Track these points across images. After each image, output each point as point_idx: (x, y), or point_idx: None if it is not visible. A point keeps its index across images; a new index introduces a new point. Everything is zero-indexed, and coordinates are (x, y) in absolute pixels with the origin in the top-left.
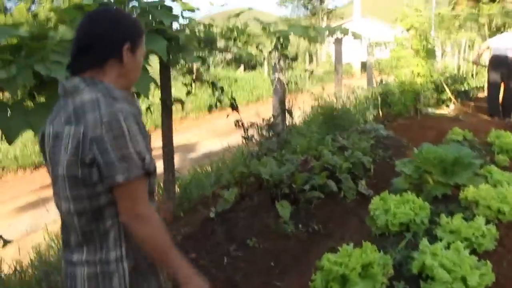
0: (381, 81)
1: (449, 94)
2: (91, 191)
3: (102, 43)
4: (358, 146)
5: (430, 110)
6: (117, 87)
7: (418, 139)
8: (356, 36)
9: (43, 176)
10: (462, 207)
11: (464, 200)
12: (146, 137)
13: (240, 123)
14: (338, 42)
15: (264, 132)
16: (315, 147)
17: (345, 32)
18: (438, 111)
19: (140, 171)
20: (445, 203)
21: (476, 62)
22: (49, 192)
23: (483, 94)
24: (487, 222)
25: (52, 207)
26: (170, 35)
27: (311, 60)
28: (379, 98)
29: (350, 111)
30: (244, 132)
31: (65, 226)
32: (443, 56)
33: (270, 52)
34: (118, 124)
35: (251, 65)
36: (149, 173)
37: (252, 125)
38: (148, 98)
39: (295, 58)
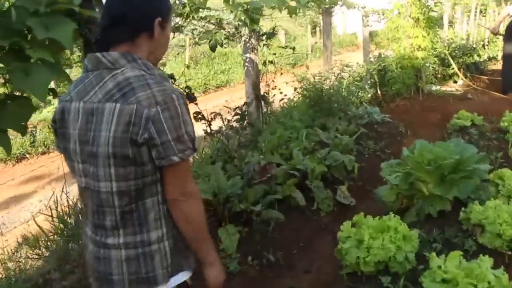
0: (379, 55)
1: (456, 69)
2: (140, 170)
3: (136, 15)
4: (339, 141)
5: (434, 87)
6: None
7: (418, 124)
8: (348, 4)
9: (24, 169)
10: (464, 231)
11: (465, 222)
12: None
13: (199, 116)
14: (327, 13)
15: (235, 124)
16: (287, 144)
17: (333, 1)
18: (444, 88)
19: (192, 151)
20: (441, 225)
21: (495, 31)
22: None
23: (496, 66)
24: (497, 256)
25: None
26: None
27: (314, 33)
28: (376, 76)
29: (340, 92)
30: (207, 126)
31: (97, 208)
32: (451, 23)
33: (237, 29)
34: (173, 104)
35: (213, 45)
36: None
37: (215, 116)
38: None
39: (271, 35)
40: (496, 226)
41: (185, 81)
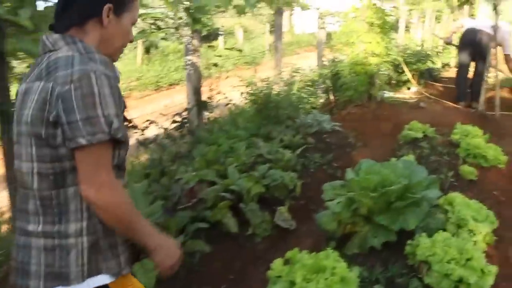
0: (333, 59)
1: (409, 76)
2: (55, 153)
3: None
4: (281, 156)
5: (387, 94)
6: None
7: (370, 134)
8: (301, 5)
9: None
10: (410, 267)
11: (412, 257)
12: (120, 103)
13: (131, 124)
14: (278, 13)
15: (173, 132)
16: (224, 159)
17: (285, 2)
18: (397, 95)
19: (105, 136)
20: (386, 259)
21: (448, 41)
22: None
23: (450, 73)
24: None
25: None
26: None
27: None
28: (329, 81)
29: (290, 98)
30: (141, 134)
31: (23, 191)
32: (407, 28)
33: (177, 29)
34: (88, 82)
35: (147, 47)
36: (116, 140)
37: (150, 124)
38: None
39: (215, 36)
40: (444, 266)
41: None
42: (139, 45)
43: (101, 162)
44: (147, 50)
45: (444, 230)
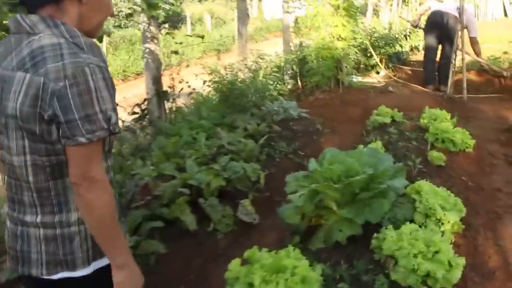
0: (300, 44)
1: (377, 60)
2: (51, 147)
3: None
4: (243, 146)
5: (355, 79)
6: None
7: (337, 120)
8: None
9: None
10: (376, 262)
11: (378, 251)
12: (114, 93)
13: None
14: None
15: (132, 124)
16: (185, 152)
17: None
18: (366, 80)
19: (104, 132)
20: (352, 254)
21: (415, 24)
22: None
23: (418, 56)
24: None
25: None
26: None
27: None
28: (295, 67)
29: (255, 85)
30: None
31: (15, 182)
32: (375, 12)
33: (131, 15)
34: (84, 79)
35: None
36: (114, 133)
37: None
38: None
39: (176, 22)
40: (410, 260)
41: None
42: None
43: (94, 157)
44: (99, 39)
45: (412, 220)
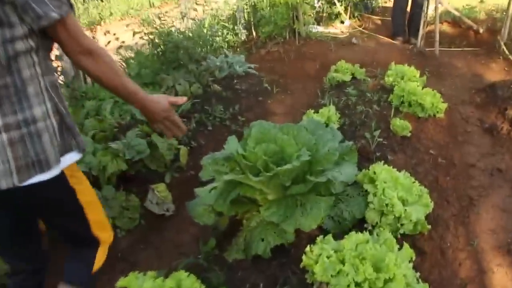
0: None
1: (340, 8)
2: (8, 33)
3: None
4: None
5: (315, 29)
6: None
7: (291, 77)
8: None
9: None
10: (309, 286)
11: (311, 275)
12: None
13: None
14: None
15: None
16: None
17: None
18: (328, 30)
19: (68, 7)
20: (277, 271)
21: None
22: None
23: (389, 3)
24: None
25: None
26: None
27: None
28: (248, 16)
29: (200, 36)
30: None
31: None
32: None
33: None
34: None
35: None
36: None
37: None
38: None
39: None
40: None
41: None
42: None
43: (79, 30)
44: None
45: (363, 219)
